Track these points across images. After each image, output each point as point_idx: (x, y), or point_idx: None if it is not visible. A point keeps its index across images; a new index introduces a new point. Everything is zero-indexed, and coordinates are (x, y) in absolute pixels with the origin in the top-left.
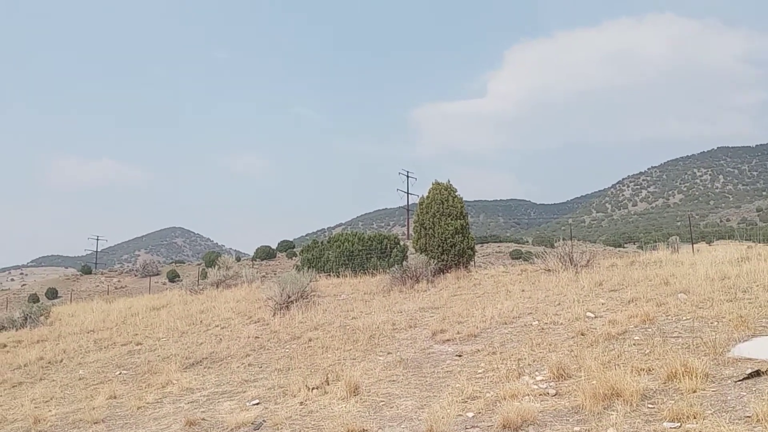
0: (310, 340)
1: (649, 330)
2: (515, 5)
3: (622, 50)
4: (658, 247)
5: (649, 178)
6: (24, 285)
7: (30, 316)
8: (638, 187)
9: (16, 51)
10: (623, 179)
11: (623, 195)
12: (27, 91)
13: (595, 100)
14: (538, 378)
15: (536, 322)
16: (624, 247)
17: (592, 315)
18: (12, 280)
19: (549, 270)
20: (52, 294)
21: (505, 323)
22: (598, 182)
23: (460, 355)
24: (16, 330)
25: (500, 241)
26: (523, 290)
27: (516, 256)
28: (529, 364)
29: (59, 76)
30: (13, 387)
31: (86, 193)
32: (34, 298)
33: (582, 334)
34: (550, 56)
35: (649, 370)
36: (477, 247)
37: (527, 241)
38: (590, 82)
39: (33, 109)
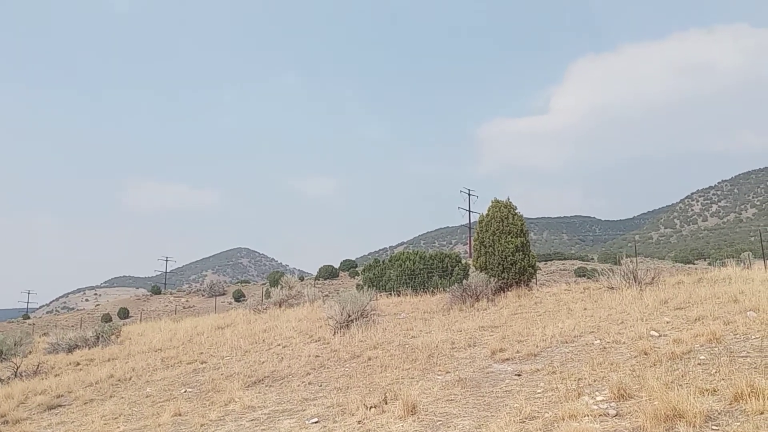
0: (369, 359)
1: (716, 349)
2: (577, 20)
3: (691, 62)
4: (728, 264)
5: (719, 192)
6: (97, 305)
7: (102, 335)
8: (708, 201)
9: (93, 83)
10: (692, 194)
11: (692, 210)
12: (105, 118)
13: (662, 114)
14: (599, 398)
15: (598, 341)
16: (694, 264)
17: (656, 334)
18: (86, 300)
19: (612, 288)
20: (124, 314)
21: (566, 342)
22: (666, 197)
23: (519, 375)
24: (89, 348)
25: (564, 259)
26: (585, 308)
27: (580, 273)
28: (589, 384)
29: (137, 105)
30: (85, 404)
31: (157, 216)
32: (106, 318)
33: (645, 354)
34: (615, 70)
35: (714, 390)
36: (541, 264)
37: (592, 259)
38: (657, 95)
39: (111, 136)
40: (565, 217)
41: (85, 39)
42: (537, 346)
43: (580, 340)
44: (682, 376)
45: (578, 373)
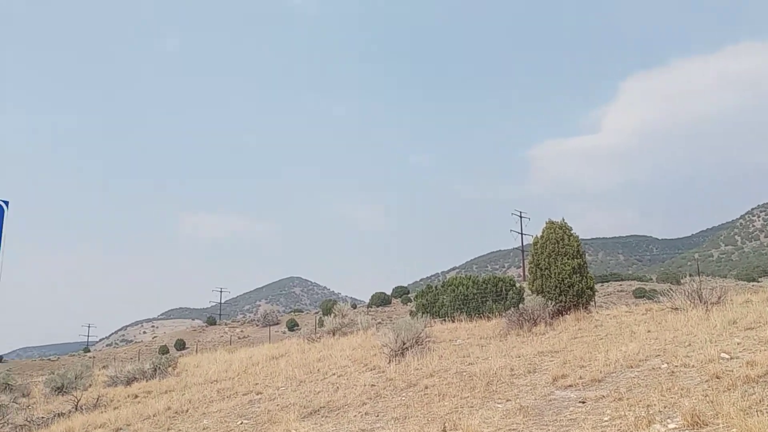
0: (426, 387)
1: None
2: (626, 36)
3: (746, 74)
4: None
5: None
6: (155, 337)
7: (159, 367)
8: None
9: (145, 116)
10: (753, 209)
11: (754, 226)
12: (158, 153)
13: (718, 129)
14: (671, 426)
15: (665, 365)
16: (758, 281)
17: (727, 356)
18: (144, 332)
19: (676, 308)
20: (180, 345)
21: (631, 367)
22: (726, 214)
23: (583, 402)
24: (147, 381)
25: (621, 280)
26: (648, 331)
27: (639, 294)
28: (659, 411)
29: (184, 139)
30: None
31: (209, 247)
32: (163, 350)
33: (717, 377)
34: (668, 85)
35: None
36: (597, 286)
37: (651, 279)
38: (713, 109)
39: (164, 170)
40: (620, 237)
41: (136, 74)
42: (600, 372)
43: (645, 365)
44: (760, 401)
45: (646, 399)
